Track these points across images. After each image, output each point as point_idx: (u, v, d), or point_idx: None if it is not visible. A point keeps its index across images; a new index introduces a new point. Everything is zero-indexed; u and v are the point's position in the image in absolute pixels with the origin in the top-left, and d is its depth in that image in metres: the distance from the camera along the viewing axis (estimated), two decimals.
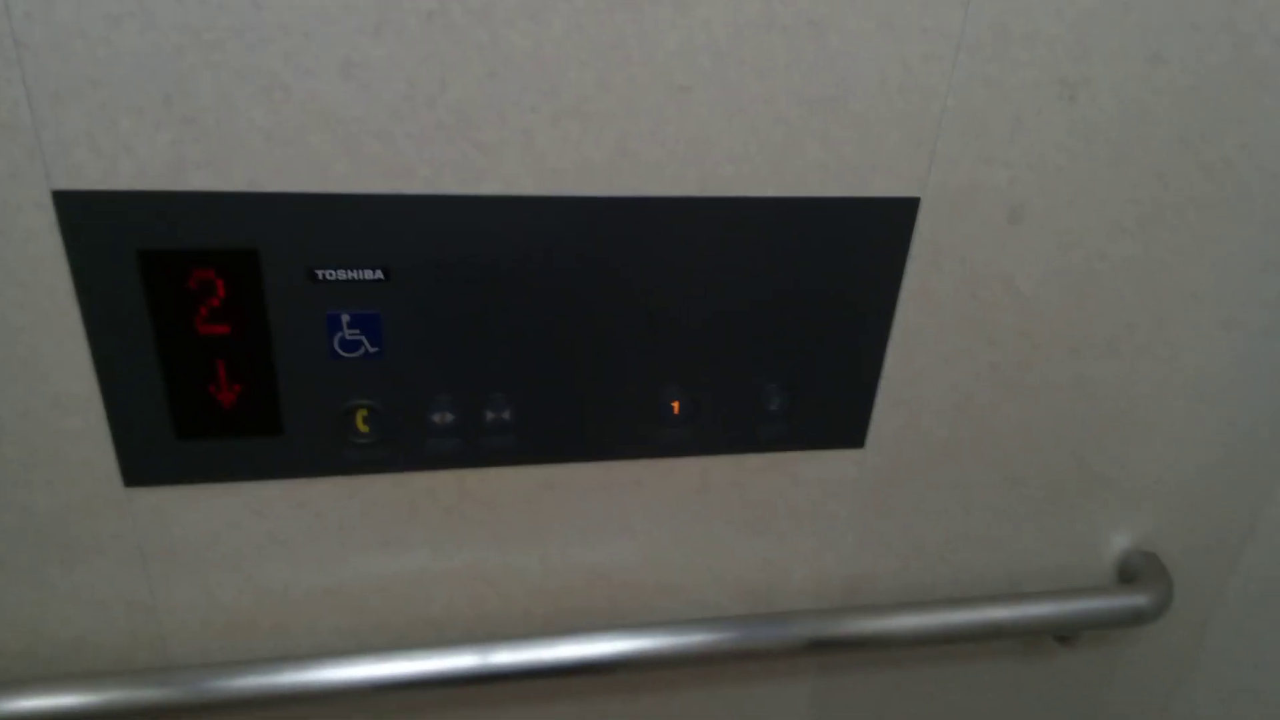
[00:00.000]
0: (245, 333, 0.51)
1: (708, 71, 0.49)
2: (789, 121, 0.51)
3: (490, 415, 0.57)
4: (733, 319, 0.57)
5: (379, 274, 0.51)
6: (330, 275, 0.50)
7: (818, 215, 0.54)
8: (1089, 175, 0.56)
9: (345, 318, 0.52)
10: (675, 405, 0.59)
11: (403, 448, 0.56)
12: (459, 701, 0.68)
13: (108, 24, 0.42)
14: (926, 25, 0.49)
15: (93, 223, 0.47)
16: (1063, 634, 0.70)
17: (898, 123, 0.52)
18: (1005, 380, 0.63)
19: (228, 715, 0.64)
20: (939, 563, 0.70)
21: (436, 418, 0.56)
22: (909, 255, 0.57)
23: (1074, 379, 0.64)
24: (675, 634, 0.62)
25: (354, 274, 0.51)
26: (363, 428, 0.55)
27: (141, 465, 0.54)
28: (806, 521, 0.66)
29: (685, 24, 0.47)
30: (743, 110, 0.50)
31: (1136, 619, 0.68)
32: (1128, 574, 0.72)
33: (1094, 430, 0.66)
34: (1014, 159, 0.55)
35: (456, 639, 0.60)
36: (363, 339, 0.53)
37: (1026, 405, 0.64)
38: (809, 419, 0.61)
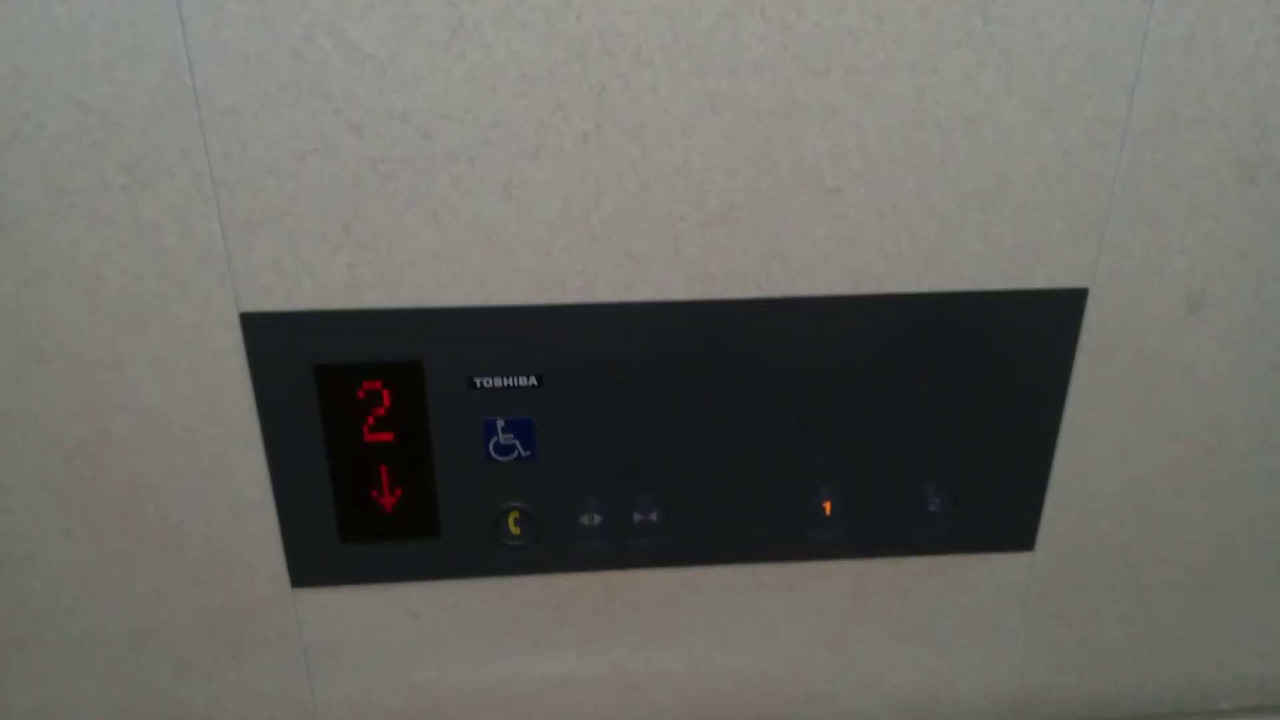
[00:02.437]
0: (408, 440, 0.53)
1: (858, 172, 0.48)
2: (944, 216, 0.50)
3: (638, 517, 0.56)
4: (888, 418, 0.55)
5: (533, 380, 0.52)
6: (487, 383, 0.52)
7: (977, 309, 0.52)
8: (1276, 259, 0.52)
9: (500, 423, 0.53)
10: (827, 506, 0.57)
11: (552, 549, 0.57)
12: None
13: (295, 160, 0.45)
14: (1089, 114, 0.48)
15: (274, 341, 0.50)
16: None
17: (1061, 212, 0.50)
18: (1191, 477, 0.58)
19: None
20: (1121, 674, 0.64)
21: (585, 519, 0.56)
22: (1078, 347, 0.54)
23: (1269, 475, 0.58)
24: None
25: (509, 381, 0.52)
26: (514, 530, 0.56)
27: (308, 567, 0.56)
28: (973, 629, 0.62)
29: (835, 128, 0.47)
30: (895, 207, 0.49)
31: None
32: None
33: None
34: (1191, 245, 0.51)
35: None
36: (516, 443, 0.54)
37: (1217, 503, 0.59)
38: (973, 520, 0.58)
